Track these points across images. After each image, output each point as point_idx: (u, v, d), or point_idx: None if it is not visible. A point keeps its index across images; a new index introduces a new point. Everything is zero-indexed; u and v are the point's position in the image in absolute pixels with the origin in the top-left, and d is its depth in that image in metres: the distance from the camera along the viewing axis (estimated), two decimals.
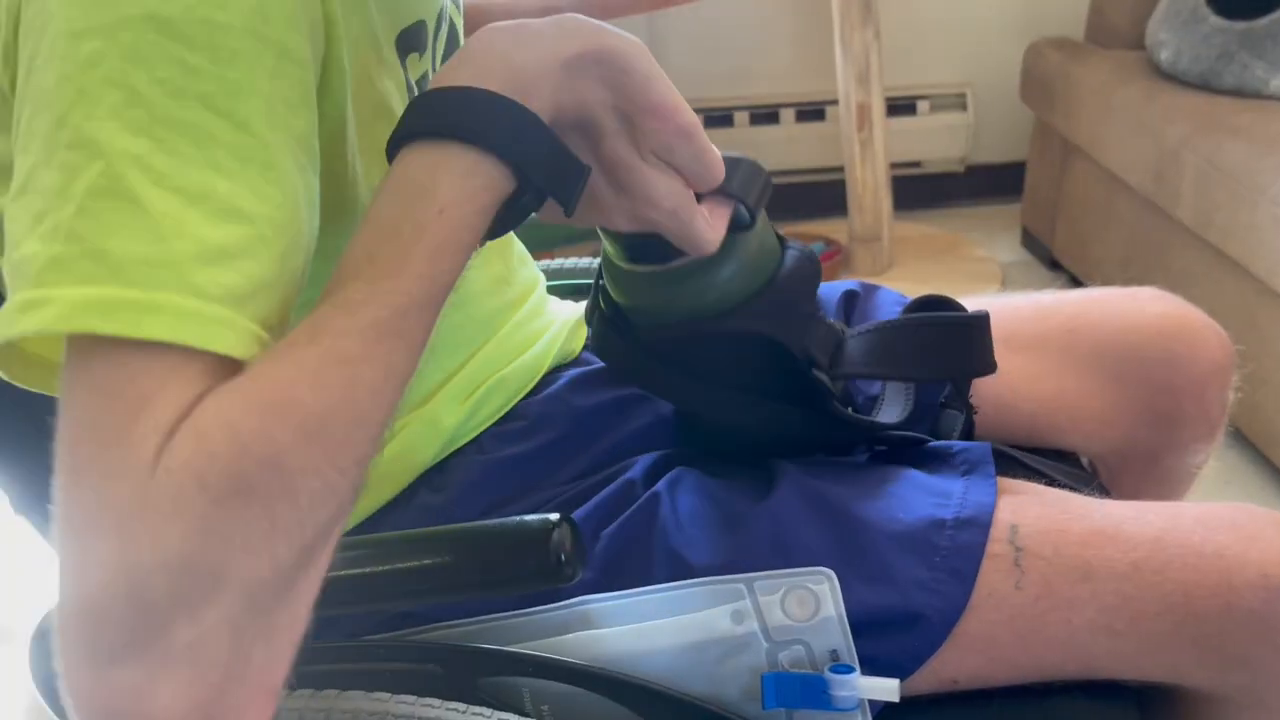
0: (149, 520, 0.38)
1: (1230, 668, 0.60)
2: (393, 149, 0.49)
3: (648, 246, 0.59)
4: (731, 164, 0.56)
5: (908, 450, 0.69)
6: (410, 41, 0.61)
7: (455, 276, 0.48)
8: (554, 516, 0.52)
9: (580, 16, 0.51)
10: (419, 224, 0.46)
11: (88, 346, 0.41)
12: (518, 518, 0.53)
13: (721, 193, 0.55)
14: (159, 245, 0.42)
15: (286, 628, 0.41)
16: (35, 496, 0.66)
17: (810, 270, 0.64)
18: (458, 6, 0.73)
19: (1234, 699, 0.62)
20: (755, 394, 0.66)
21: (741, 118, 2.33)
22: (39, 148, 0.44)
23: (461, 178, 0.47)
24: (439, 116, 0.48)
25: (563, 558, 0.51)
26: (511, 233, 0.78)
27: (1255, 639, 0.59)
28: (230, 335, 0.43)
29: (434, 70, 0.66)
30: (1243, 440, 1.63)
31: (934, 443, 0.70)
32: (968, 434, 0.72)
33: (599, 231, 0.61)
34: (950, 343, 0.66)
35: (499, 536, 0.54)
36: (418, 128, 0.48)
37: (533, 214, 0.52)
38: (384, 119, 0.57)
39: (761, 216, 0.61)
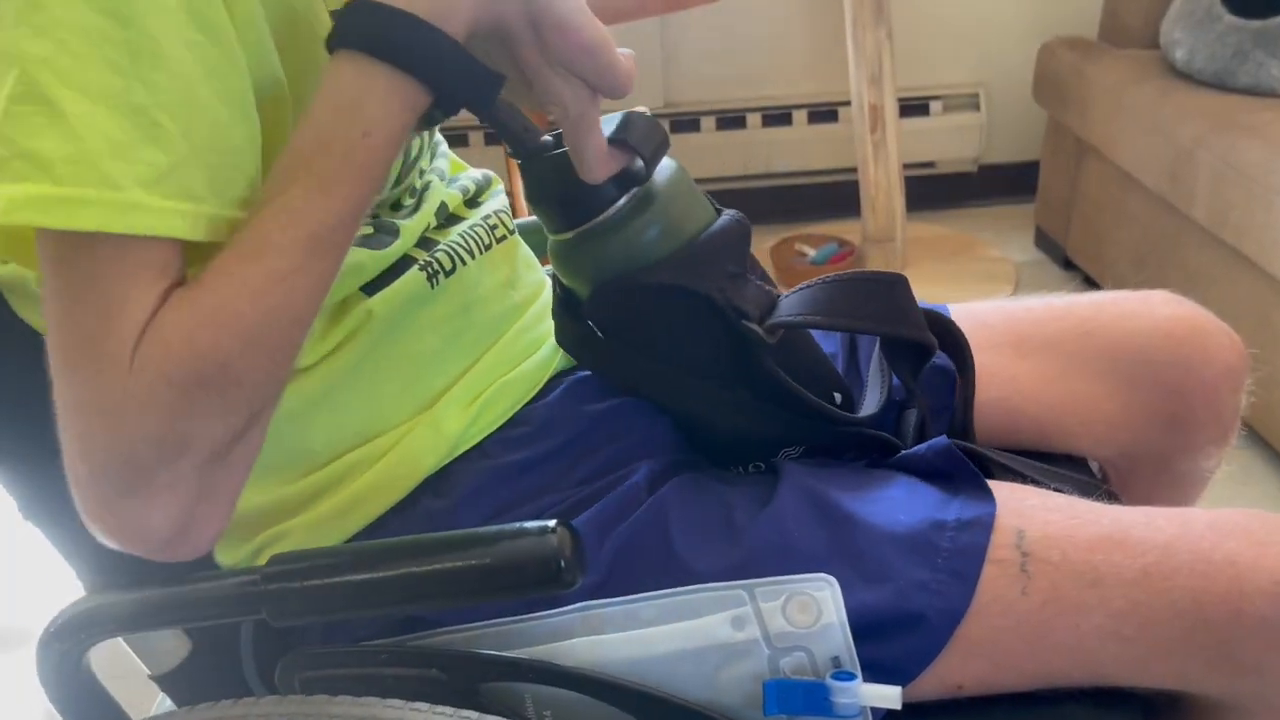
0: (132, 409, 0.50)
1: (1241, 675, 0.60)
2: (331, 45, 0.54)
3: (576, 218, 0.64)
4: (627, 119, 0.61)
5: (898, 456, 0.69)
6: None
7: (380, 187, 0.55)
8: (553, 523, 0.52)
9: None
10: (349, 144, 0.53)
11: (52, 253, 0.50)
12: (518, 524, 0.53)
13: (618, 143, 0.60)
14: (76, 144, 0.48)
15: (242, 461, 0.54)
16: (42, 502, 0.66)
17: (737, 232, 0.66)
18: None
19: (1244, 706, 0.62)
20: (700, 369, 0.67)
21: (754, 119, 2.33)
22: None
23: (385, 98, 0.53)
24: (369, 34, 0.53)
25: (562, 564, 0.51)
26: (518, 237, 0.78)
27: (1266, 646, 0.58)
28: (148, 218, 0.50)
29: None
30: (1259, 441, 1.62)
31: (905, 450, 0.69)
32: (922, 432, 0.72)
33: (533, 210, 0.66)
34: (878, 297, 0.68)
35: (499, 543, 0.53)
36: (350, 39, 0.53)
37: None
38: (301, 26, 0.60)
39: (687, 183, 0.66)
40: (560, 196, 0.63)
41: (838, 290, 0.66)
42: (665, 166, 0.65)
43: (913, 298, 0.68)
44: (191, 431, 0.51)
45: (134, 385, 0.50)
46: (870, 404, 0.72)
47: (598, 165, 0.59)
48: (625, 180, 0.63)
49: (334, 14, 0.54)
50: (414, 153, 0.71)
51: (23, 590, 1.57)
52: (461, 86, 0.54)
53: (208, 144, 0.52)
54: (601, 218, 0.63)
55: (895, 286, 0.68)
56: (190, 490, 0.52)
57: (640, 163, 0.62)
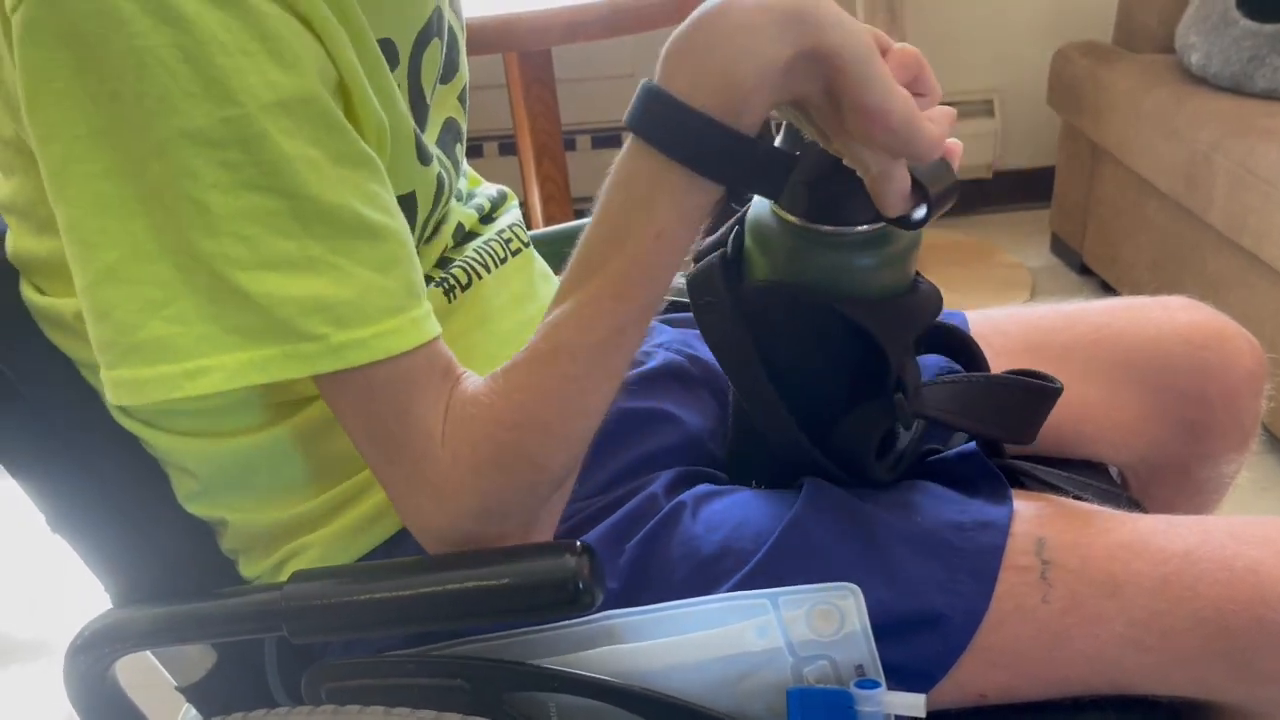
0: (451, 494, 0.57)
1: (1262, 684, 0.59)
2: (627, 123, 0.54)
3: (816, 212, 0.60)
4: (931, 165, 0.56)
5: (919, 463, 0.69)
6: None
7: (670, 283, 0.57)
8: (572, 542, 0.52)
9: (809, 6, 0.50)
10: (640, 245, 0.54)
11: (329, 388, 0.56)
12: (536, 544, 0.53)
13: (915, 186, 0.55)
14: (266, 315, 0.53)
15: (560, 502, 0.61)
16: (68, 516, 0.67)
17: (934, 308, 0.64)
18: (458, 16, 0.73)
19: (1268, 714, 0.61)
20: (804, 401, 0.64)
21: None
22: (128, 246, 0.52)
23: (678, 198, 0.53)
24: (661, 128, 0.53)
25: (580, 585, 0.51)
26: (533, 250, 0.78)
27: None
28: (362, 351, 0.54)
29: (413, 84, 0.66)
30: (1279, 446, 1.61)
31: (932, 457, 0.69)
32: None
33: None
34: (1022, 407, 0.65)
35: (517, 562, 0.54)
36: (644, 129, 0.53)
37: None
38: (395, 106, 0.61)
39: (919, 240, 0.62)
40: (815, 183, 0.58)
41: (992, 393, 0.65)
42: None
43: (1052, 407, 0.66)
44: (506, 506, 0.57)
45: (450, 475, 0.56)
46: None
47: (894, 207, 0.55)
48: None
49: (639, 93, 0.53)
50: (446, 195, 0.71)
51: (44, 601, 1.58)
52: (754, 181, 0.54)
53: (394, 256, 0.55)
54: (839, 229, 0.60)
55: (1047, 399, 0.65)
56: (517, 536, 0.58)
57: (924, 209, 0.56)
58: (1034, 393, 0.65)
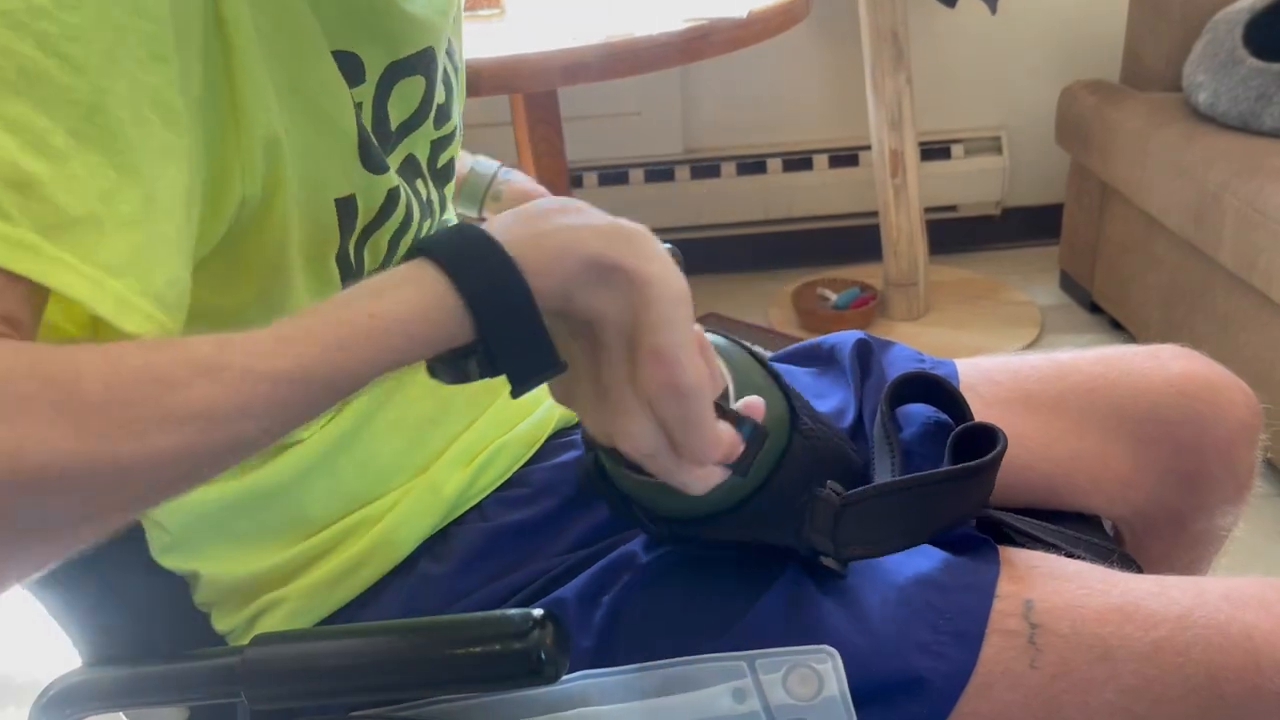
0: None
1: None
2: (412, 249, 0.48)
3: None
4: (728, 358, 0.54)
5: None
6: (343, 67, 0.58)
7: (365, 380, 0.45)
8: (537, 612, 0.51)
9: (645, 234, 0.48)
10: (357, 311, 0.45)
11: None
12: (500, 612, 0.52)
13: (728, 416, 0.51)
14: None
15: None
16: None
17: (822, 450, 0.60)
18: (455, 67, 0.73)
19: None
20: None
21: (774, 164, 2.33)
22: None
23: (414, 295, 0.45)
24: (442, 243, 0.47)
25: (543, 656, 0.50)
26: None
27: None
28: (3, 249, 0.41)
29: (378, 109, 0.63)
30: None
31: None
32: None
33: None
34: (958, 494, 0.63)
35: (479, 633, 0.52)
36: (431, 247, 0.47)
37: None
38: (330, 93, 0.56)
39: (773, 388, 0.58)
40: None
41: (925, 501, 0.62)
42: (758, 392, 0.55)
43: (996, 471, 0.63)
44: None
45: None
46: (883, 472, 0.70)
47: (693, 487, 0.50)
48: None
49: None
50: (399, 215, 0.70)
51: (42, 644, 1.57)
52: (512, 338, 0.46)
53: (125, 221, 0.44)
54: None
55: (983, 473, 0.62)
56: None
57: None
58: (971, 474, 0.63)
